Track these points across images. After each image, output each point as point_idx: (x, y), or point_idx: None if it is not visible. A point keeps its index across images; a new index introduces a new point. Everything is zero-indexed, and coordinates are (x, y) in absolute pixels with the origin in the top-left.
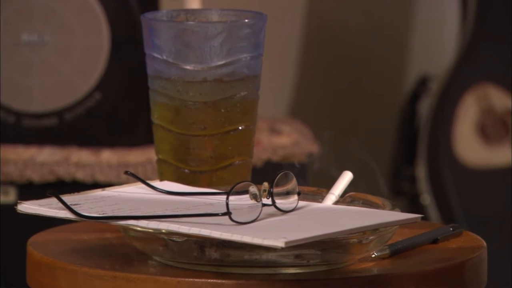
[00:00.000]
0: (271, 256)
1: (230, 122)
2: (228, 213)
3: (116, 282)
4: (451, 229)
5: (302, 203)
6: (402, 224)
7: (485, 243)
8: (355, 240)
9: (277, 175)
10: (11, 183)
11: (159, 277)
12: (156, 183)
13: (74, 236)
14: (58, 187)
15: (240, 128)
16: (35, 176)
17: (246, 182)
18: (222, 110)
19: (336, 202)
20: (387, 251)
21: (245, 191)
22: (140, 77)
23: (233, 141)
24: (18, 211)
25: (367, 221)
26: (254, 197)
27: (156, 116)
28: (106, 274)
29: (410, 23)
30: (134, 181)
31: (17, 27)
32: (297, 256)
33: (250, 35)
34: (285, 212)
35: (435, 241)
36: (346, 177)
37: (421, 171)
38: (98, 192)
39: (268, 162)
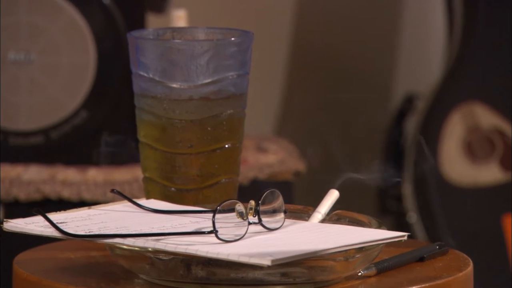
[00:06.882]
0: (257, 275)
1: (216, 140)
2: (214, 231)
3: None
4: (438, 247)
5: (288, 221)
6: (388, 242)
7: (471, 262)
8: (341, 258)
9: (264, 193)
10: None
11: None
12: (143, 201)
13: (60, 255)
14: (44, 206)
15: (226, 146)
16: (21, 194)
17: (233, 200)
18: (209, 128)
19: (323, 220)
20: (373, 270)
21: (231, 209)
22: (126, 95)
23: (219, 159)
24: (4, 229)
25: (353, 239)
26: (241, 215)
27: (143, 134)
28: None
29: (397, 41)
30: (120, 200)
31: (4, 45)
32: (283, 275)
33: (236, 53)
34: (271, 230)
35: (421, 260)
36: (333, 195)
37: (407, 189)
38: (85, 211)
39: (255, 180)
